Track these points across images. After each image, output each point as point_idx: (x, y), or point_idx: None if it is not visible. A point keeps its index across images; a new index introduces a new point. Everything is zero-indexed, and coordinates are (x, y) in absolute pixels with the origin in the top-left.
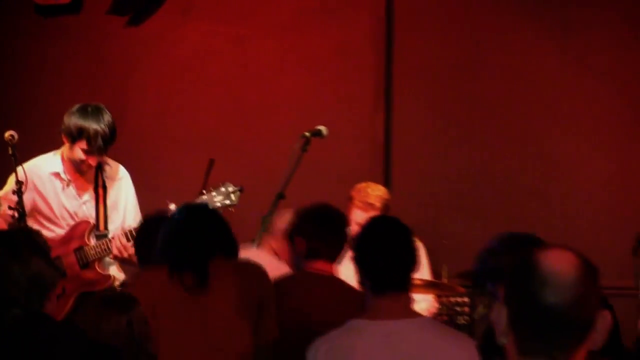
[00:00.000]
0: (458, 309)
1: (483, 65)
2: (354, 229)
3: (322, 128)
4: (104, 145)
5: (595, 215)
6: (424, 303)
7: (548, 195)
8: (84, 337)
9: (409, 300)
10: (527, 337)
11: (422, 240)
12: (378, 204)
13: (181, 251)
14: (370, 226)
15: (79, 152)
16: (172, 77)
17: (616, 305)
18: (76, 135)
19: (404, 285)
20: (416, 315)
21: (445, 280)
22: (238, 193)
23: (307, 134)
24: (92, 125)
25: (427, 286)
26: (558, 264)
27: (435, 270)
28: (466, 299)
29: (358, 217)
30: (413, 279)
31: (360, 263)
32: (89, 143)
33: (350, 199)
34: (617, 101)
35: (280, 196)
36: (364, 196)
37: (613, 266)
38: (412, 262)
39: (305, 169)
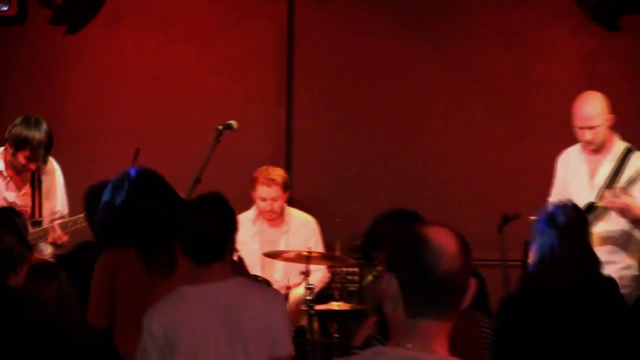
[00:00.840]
0: (349, 277)
1: (372, 67)
2: (259, 205)
3: (233, 122)
4: (44, 153)
5: (467, 196)
6: (319, 272)
7: (426, 179)
8: (34, 305)
9: (225, 267)
10: (419, 301)
11: (318, 218)
12: (279, 180)
13: (154, 234)
14: (194, 204)
15: (21, 159)
16: (105, 78)
17: (484, 274)
18: (20, 145)
19: (220, 255)
20: (232, 277)
21: (338, 253)
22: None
23: (220, 127)
24: (35, 137)
25: (321, 258)
26: (445, 238)
27: (329, 244)
28: (356, 269)
29: (263, 193)
30: (229, 249)
31: (185, 236)
32: (32, 152)
33: (254, 180)
34: (485, 100)
35: (197, 180)
36: (267, 174)
37: (481, 241)
38: (227, 235)
39: (219, 157)
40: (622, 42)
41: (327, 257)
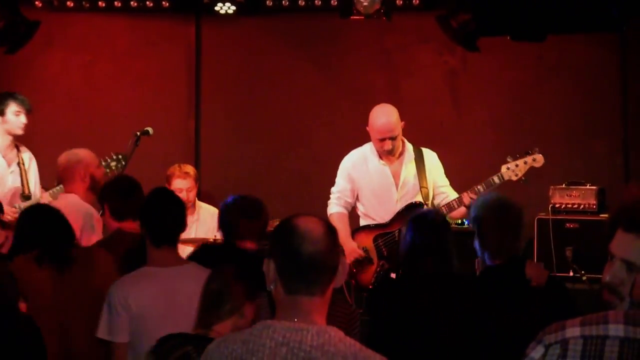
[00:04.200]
0: None
1: (268, 82)
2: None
3: (149, 129)
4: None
5: None
6: None
7: (312, 179)
8: None
9: (176, 252)
10: (293, 280)
11: None
12: (192, 173)
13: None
14: (153, 195)
15: (12, 117)
16: (39, 92)
17: None
18: (5, 102)
19: (174, 240)
20: (185, 262)
21: None
22: (125, 159)
23: (137, 132)
24: (14, 95)
25: None
26: (310, 224)
27: None
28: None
29: (179, 185)
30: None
31: (145, 223)
32: (20, 103)
33: (169, 176)
34: (363, 111)
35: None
36: (182, 169)
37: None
38: (181, 223)
39: (139, 159)
40: (481, 61)
41: None
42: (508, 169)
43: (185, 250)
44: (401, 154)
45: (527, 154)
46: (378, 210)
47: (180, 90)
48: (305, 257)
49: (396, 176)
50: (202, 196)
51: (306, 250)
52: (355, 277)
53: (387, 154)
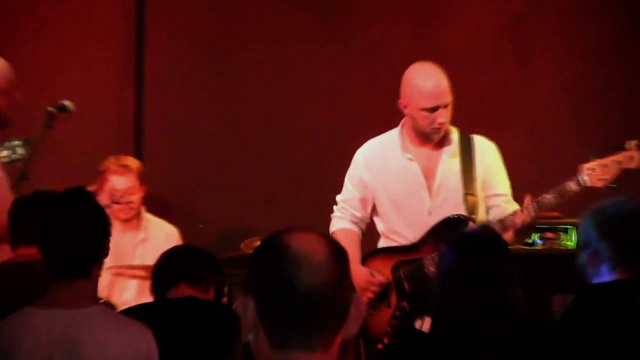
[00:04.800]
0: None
1: (248, 36)
2: (110, 205)
3: (67, 103)
4: None
5: None
6: None
7: (306, 176)
8: None
9: (87, 288)
10: (282, 328)
11: (176, 224)
12: (134, 166)
13: None
14: (56, 202)
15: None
16: None
17: None
18: None
19: (82, 272)
20: (90, 304)
21: None
22: (24, 146)
23: (50, 109)
24: None
25: None
26: (308, 244)
27: None
28: (225, 289)
29: (117, 184)
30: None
31: (42, 244)
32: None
33: (102, 172)
34: (377, 80)
35: (22, 177)
36: (119, 160)
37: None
38: (95, 246)
39: (52, 147)
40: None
41: None
42: (592, 171)
43: (125, 284)
44: (440, 142)
45: (618, 149)
46: (400, 226)
47: (114, 47)
48: (300, 294)
49: (429, 175)
50: (147, 200)
51: (302, 283)
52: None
53: (436, 133)
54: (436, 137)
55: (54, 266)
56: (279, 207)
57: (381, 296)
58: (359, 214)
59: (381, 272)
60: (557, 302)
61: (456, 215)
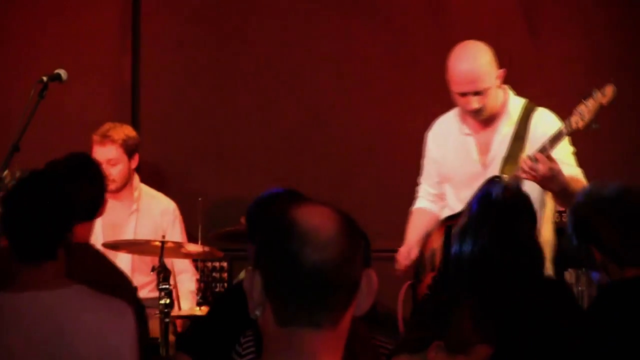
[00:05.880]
0: (215, 275)
1: (231, 9)
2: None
3: (61, 71)
4: None
5: (373, 170)
6: (187, 276)
7: (315, 147)
8: None
9: (54, 268)
10: (288, 304)
11: (174, 197)
12: (117, 137)
13: None
14: (20, 183)
15: None
16: None
17: (391, 270)
18: None
19: (51, 253)
20: (67, 284)
21: (200, 243)
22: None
23: (44, 78)
24: None
25: (180, 250)
26: (317, 218)
27: (189, 231)
28: (224, 264)
29: (97, 154)
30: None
31: (4, 228)
32: None
33: (91, 144)
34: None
35: (15, 149)
36: (102, 130)
37: (388, 227)
38: (58, 227)
39: (45, 117)
40: None
41: (186, 249)
42: (572, 115)
43: (118, 259)
44: (497, 116)
45: (593, 91)
46: (453, 200)
47: (111, 15)
48: (307, 270)
49: (484, 150)
50: (144, 172)
51: (309, 259)
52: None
53: (474, 116)
54: (478, 118)
55: (18, 250)
56: (281, 178)
57: (429, 263)
58: (433, 191)
59: (436, 241)
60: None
61: (495, 177)
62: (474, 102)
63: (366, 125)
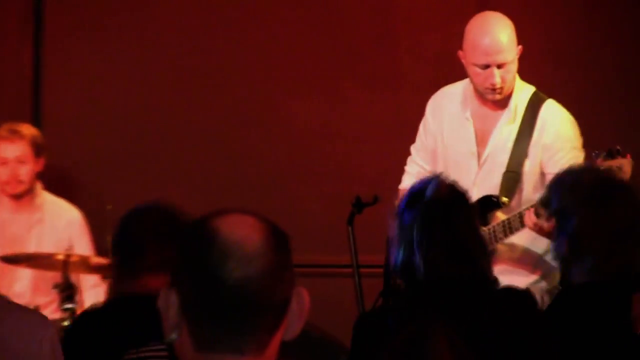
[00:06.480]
0: None
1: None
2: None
3: None
4: None
5: (306, 171)
6: (97, 291)
7: (244, 147)
8: None
9: None
10: (207, 326)
11: (81, 205)
12: (27, 132)
13: None
14: None
15: None
16: None
17: (327, 286)
18: None
19: None
20: None
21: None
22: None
23: None
24: None
25: (86, 264)
26: (240, 229)
27: (100, 244)
28: None
29: (5, 152)
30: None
31: None
32: None
33: None
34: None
35: None
36: (9, 126)
37: (323, 237)
38: None
39: None
40: None
41: (97, 265)
42: None
43: (17, 274)
44: (503, 102)
45: (610, 154)
46: None
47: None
48: (229, 288)
49: (482, 141)
50: (47, 178)
51: (232, 276)
52: None
53: (491, 94)
54: (492, 99)
55: None
56: (200, 185)
57: None
58: (428, 167)
59: None
60: None
61: (491, 196)
62: (497, 76)
63: (299, 123)
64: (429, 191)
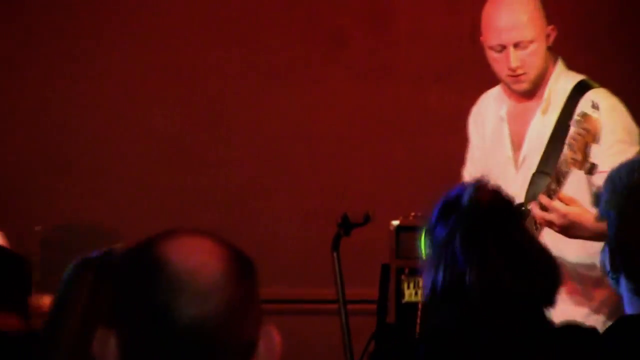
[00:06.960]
0: None
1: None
2: None
3: None
4: None
5: (280, 185)
6: None
7: (205, 152)
8: None
9: None
10: None
11: (3, 224)
12: None
13: None
14: None
15: None
16: None
17: (308, 325)
18: None
19: None
20: None
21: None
22: None
23: None
24: None
25: None
26: (195, 256)
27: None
28: None
29: None
30: None
31: None
32: None
33: None
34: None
35: None
36: None
37: (301, 266)
38: None
39: None
40: None
41: None
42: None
43: None
44: (540, 93)
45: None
46: None
47: None
48: (181, 327)
49: (517, 142)
50: None
51: (184, 313)
52: None
53: (515, 85)
54: (517, 89)
55: None
56: (150, 200)
57: None
58: None
59: None
60: None
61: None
62: (513, 57)
63: (272, 122)
64: (466, 197)
